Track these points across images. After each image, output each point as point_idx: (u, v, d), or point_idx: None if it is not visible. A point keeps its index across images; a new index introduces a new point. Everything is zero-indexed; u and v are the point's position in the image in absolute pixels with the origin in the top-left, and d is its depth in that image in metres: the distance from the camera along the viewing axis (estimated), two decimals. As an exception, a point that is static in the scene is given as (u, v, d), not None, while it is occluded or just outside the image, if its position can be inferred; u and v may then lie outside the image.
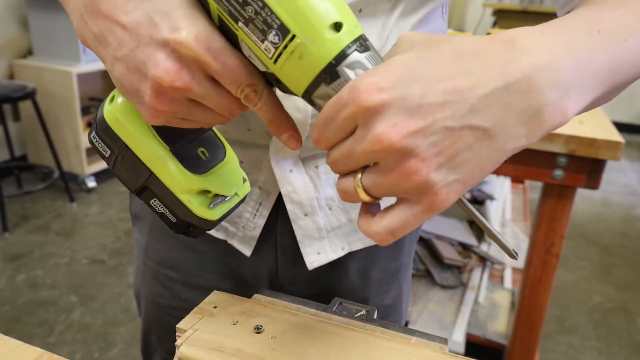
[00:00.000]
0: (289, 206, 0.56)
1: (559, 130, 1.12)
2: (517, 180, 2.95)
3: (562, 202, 1.21)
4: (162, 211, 0.39)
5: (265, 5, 0.30)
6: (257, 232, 0.58)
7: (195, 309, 0.46)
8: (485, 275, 1.90)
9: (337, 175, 0.60)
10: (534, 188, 3.05)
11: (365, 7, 0.47)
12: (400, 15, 0.50)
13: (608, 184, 3.46)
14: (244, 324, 0.44)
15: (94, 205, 2.74)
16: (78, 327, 1.83)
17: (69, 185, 2.73)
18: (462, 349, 1.54)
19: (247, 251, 0.60)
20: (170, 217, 0.39)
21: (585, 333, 1.96)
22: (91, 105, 2.99)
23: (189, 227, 0.39)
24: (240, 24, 0.31)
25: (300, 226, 0.57)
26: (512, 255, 0.33)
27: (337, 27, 0.30)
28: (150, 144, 0.37)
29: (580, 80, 0.30)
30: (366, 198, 0.31)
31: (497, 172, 1.24)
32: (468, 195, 2.29)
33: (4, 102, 2.37)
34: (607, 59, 0.32)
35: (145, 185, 0.37)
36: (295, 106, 0.48)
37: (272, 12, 0.30)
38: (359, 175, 0.31)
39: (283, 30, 0.30)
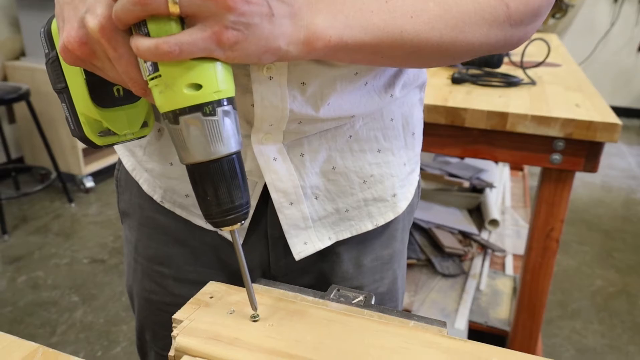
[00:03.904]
0: (273, 195, 0.55)
1: (555, 114, 1.12)
2: (516, 167, 2.95)
3: (561, 186, 1.21)
4: (66, 115, 0.46)
5: None
6: (246, 223, 0.58)
7: (192, 299, 0.45)
8: (487, 263, 1.90)
9: (323, 163, 0.59)
10: (533, 175, 3.05)
11: None
12: None
13: (608, 169, 3.45)
14: (240, 312, 0.44)
15: (92, 205, 2.74)
16: (80, 326, 1.84)
17: (66, 185, 2.72)
18: (464, 337, 1.54)
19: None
20: (70, 123, 0.46)
21: (588, 317, 1.96)
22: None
23: (81, 138, 0.47)
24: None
25: (286, 215, 0.56)
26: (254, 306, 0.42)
27: (197, 87, 0.35)
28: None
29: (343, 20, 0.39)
30: (175, 9, 0.33)
31: (496, 158, 1.23)
32: (467, 184, 2.29)
33: (-1, 104, 2.36)
34: (381, 18, 0.40)
35: (61, 91, 0.45)
36: (275, 94, 0.48)
37: None
38: None
39: (155, 67, 0.36)
